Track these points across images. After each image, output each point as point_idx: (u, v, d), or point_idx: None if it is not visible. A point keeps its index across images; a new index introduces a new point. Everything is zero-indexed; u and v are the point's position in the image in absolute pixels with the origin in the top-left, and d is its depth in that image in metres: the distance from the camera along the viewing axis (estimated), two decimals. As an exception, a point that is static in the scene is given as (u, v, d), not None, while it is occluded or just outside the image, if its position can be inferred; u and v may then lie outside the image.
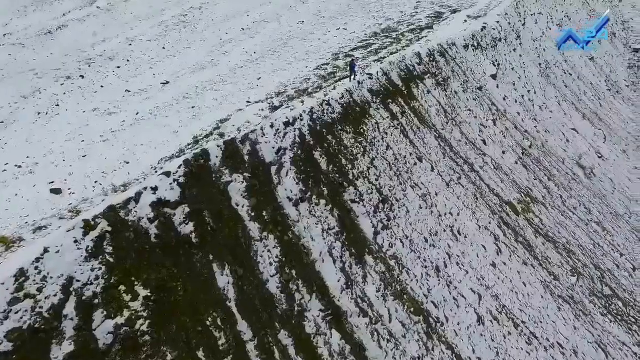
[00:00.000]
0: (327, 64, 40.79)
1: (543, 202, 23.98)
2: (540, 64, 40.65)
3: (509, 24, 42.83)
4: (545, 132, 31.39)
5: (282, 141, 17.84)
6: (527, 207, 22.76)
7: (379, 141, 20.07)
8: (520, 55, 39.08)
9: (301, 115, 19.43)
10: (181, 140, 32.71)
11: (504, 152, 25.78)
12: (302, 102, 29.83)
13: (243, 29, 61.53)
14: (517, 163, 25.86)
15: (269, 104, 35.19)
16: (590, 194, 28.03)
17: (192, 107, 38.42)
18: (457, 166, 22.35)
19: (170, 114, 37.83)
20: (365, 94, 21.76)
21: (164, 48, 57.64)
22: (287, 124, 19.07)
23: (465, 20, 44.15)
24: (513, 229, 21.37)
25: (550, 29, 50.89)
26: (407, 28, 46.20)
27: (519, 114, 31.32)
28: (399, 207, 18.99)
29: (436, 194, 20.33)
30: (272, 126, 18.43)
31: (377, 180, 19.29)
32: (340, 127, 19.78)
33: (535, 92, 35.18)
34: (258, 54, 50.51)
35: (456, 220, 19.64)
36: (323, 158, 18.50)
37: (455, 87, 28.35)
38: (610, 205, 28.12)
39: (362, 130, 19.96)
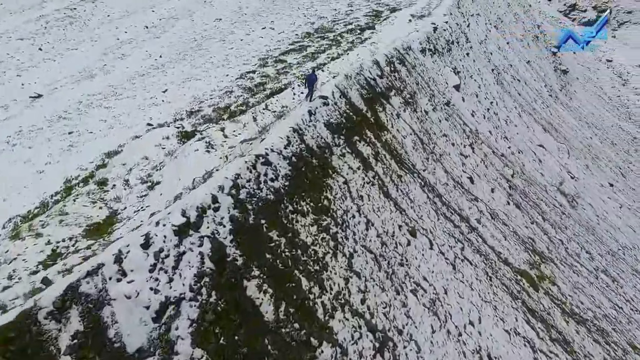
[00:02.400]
0: (253, 72, 32.64)
1: (550, 257, 18.73)
2: (492, 70, 36.30)
3: (457, 24, 38.02)
4: (519, 152, 26.66)
5: (170, 281, 8.79)
6: (541, 273, 17.32)
7: (353, 216, 12.60)
8: (474, 60, 34.32)
9: (215, 203, 10.58)
10: (46, 185, 22.60)
11: (492, 190, 20.00)
12: (222, 129, 21.52)
13: (147, 27, 50.61)
14: (509, 203, 20.27)
15: (177, 127, 26.24)
16: (582, 229, 23.53)
17: (70, 133, 28.05)
18: (455, 227, 15.88)
19: (37, 143, 27.15)
20: (321, 132, 14.36)
21: (40, 49, 45.01)
22: (182, 232, 9.69)
23: (410, 20, 38.72)
24: (541, 318, 15.64)
25: (490, 30, 47.48)
26: (345, 28, 39.60)
27: (490, 132, 26.04)
28: (404, 347, 11.52)
29: (445, 292, 13.66)
30: (147, 242, 9.20)
31: (363, 301, 11.47)
32: (290, 206, 11.43)
33: (497, 104, 30.48)
34: (165, 58, 40.62)
35: (481, 335, 13.17)
36: (263, 293, 9.85)
37: (424, 105, 22.14)
38: (603, 241, 23.98)
39: (325, 203, 12.14)
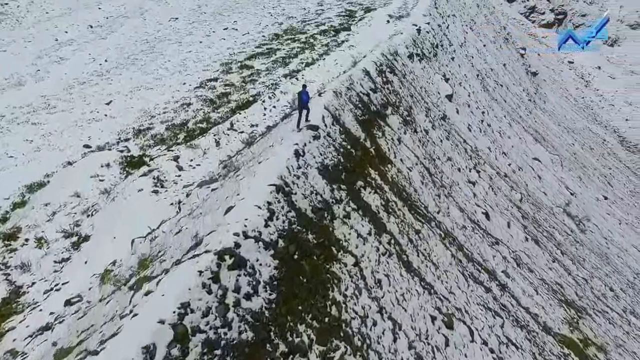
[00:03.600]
0: (215, 80, 27.69)
1: (582, 305, 15.48)
2: (477, 75, 33.18)
3: (438, 25, 34.63)
4: (519, 169, 23.52)
5: None
6: (583, 336, 13.98)
7: (374, 323, 8.07)
8: (459, 66, 31.01)
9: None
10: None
11: (509, 225, 16.50)
12: (176, 158, 16.79)
13: (91, 27, 44.06)
14: (527, 239, 16.82)
15: (121, 151, 20.93)
16: (597, 259, 20.58)
17: (-16, 159, 22.12)
18: (487, 292, 12.11)
19: (-64, 174, 21.11)
20: (316, 184, 9.63)
21: (-43, 52, 37.87)
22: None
23: (388, 21, 34.96)
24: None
25: (467, 32, 44.65)
26: (317, 29, 35.26)
27: (489, 149, 22.63)
28: None
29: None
30: None
31: None
32: (282, 343, 6.30)
33: (487, 113, 27.28)
34: (111, 62, 34.71)
35: None
36: None
37: (422, 123, 18.27)
38: (619, 269, 21.21)
39: (333, 312, 7.35)
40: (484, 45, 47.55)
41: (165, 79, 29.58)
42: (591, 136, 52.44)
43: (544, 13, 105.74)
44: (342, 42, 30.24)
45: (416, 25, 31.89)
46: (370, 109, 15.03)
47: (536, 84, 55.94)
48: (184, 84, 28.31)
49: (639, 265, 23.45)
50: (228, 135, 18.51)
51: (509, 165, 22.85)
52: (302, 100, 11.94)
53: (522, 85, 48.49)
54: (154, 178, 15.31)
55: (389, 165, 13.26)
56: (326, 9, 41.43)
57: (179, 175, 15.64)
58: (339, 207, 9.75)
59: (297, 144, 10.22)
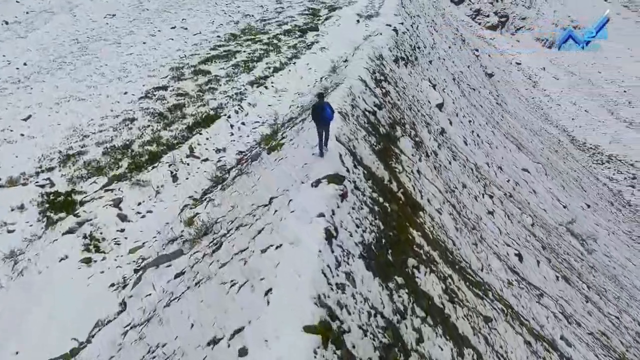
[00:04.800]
0: (165, 88, 22.78)
1: (630, 357, 12.92)
2: (454, 79, 30.77)
3: (411, 25, 31.84)
4: (516, 184, 21.14)
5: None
6: None
7: None
8: (437, 69, 28.30)
9: None
10: None
11: (538, 264, 13.65)
12: (117, 202, 12.27)
13: (6, 23, 36.73)
14: (558, 279, 14.12)
15: (42, 186, 15.70)
16: (612, 285, 18.50)
17: None
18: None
19: None
20: (371, 292, 5.61)
21: None
22: None
23: (358, 21, 31.61)
24: None
25: (432, 34, 42.55)
26: (280, 29, 31.10)
27: (488, 165, 19.96)
28: None
29: None
30: None
31: None
32: None
33: (473, 122, 24.74)
34: (32, 66, 28.39)
35: None
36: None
37: (428, 142, 14.97)
38: (632, 294, 19.35)
39: None
40: (449, 47, 45.76)
41: (101, 88, 24.08)
42: (549, 137, 52.59)
43: (488, 16, 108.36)
44: (312, 43, 26.40)
45: (391, 26, 28.84)
46: (379, 131, 11.48)
47: (494, 86, 55.48)
48: (126, 93, 23.06)
49: None
50: (188, 165, 14.05)
51: (508, 181, 20.38)
52: (324, 117, 8.22)
53: (487, 88, 47.37)
54: (85, 237, 10.63)
55: (421, 213, 9.83)
56: (286, 7, 37.33)
57: (122, 230, 11.04)
58: (406, 328, 6.10)
59: (322, 215, 6.37)
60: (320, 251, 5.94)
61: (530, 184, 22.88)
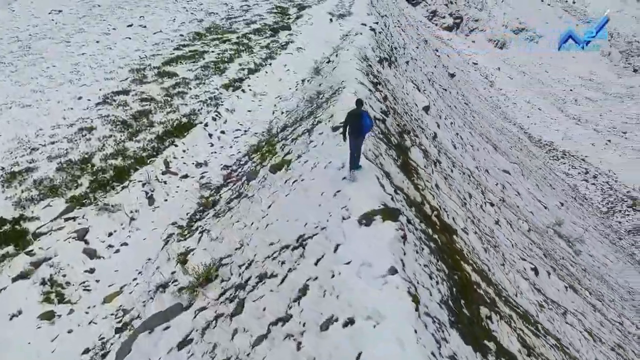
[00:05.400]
0: (127, 92, 20.27)
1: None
2: (429, 80, 30.24)
3: (385, 25, 31.00)
4: (503, 187, 20.64)
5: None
6: None
7: None
8: (414, 70, 27.56)
9: None
10: None
11: (549, 275, 12.93)
12: (82, 234, 10.17)
13: None
14: (567, 289, 13.47)
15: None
16: (604, 287, 18.37)
17: None
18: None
19: None
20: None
21: None
22: None
23: (331, 20, 30.24)
24: None
25: (401, 34, 42.14)
26: (249, 27, 29.11)
27: (477, 169, 19.22)
28: None
29: None
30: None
31: None
32: None
33: (454, 124, 24.15)
34: (-38, 68, 24.55)
35: None
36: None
37: (430, 150, 13.78)
38: (621, 294, 19.37)
39: None
40: (417, 47, 45.66)
41: (49, 92, 21.08)
42: (512, 136, 54.01)
43: (444, 17, 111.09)
44: (286, 43, 24.73)
45: (366, 25, 27.82)
46: (392, 141, 10.14)
47: (457, 86, 56.26)
48: (80, 98, 20.28)
49: (625, 278, 22.45)
50: (165, 183, 12.01)
51: (496, 185, 19.88)
52: (362, 128, 6.86)
53: (454, 89, 47.77)
54: (44, 282, 8.46)
55: (456, 237, 8.63)
56: (252, 4, 35.29)
57: (92, 271, 8.94)
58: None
59: (394, 271, 4.75)
60: (416, 331, 4.38)
61: (512, 185, 22.63)
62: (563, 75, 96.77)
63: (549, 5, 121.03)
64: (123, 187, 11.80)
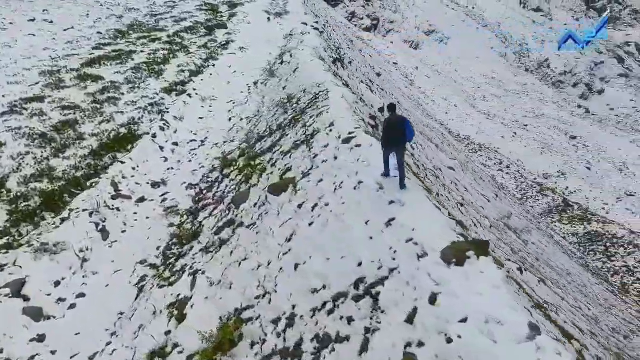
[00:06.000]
0: (41, 99, 16.93)
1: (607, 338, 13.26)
2: (370, 80, 30.33)
3: (324, 25, 30.38)
4: (456, 186, 21.16)
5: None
6: None
7: None
8: (357, 70, 27.34)
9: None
10: None
11: (522, 271, 13.11)
12: (16, 290, 7.84)
13: None
14: (539, 283, 13.84)
15: None
16: (555, 273, 19.61)
17: None
18: None
19: None
20: None
21: None
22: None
23: (269, 19, 28.69)
24: None
25: (334, 33, 42.05)
26: (179, 25, 26.41)
27: (435, 168, 19.36)
28: None
29: None
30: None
31: None
32: None
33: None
34: None
35: None
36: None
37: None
38: (565, 274, 20.88)
39: None
40: (349, 48, 46.02)
41: None
42: (437, 132, 56.91)
43: (362, 18, 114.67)
44: (227, 43, 22.84)
45: (307, 24, 27.01)
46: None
47: (385, 86, 57.99)
48: (-24, 108, 16.50)
49: (558, 261, 24.57)
50: (118, 210, 9.87)
51: (451, 183, 20.31)
52: (404, 137, 6.23)
53: (384, 88, 48.80)
54: (-28, 365, 6.17)
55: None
56: (178, 1, 32.38)
57: (41, 338, 6.72)
58: None
59: (536, 329, 3.59)
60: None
61: (460, 182, 23.44)
62: (470, 74, 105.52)
63: (453, 9, 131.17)
64: (63, 220, 9.45)
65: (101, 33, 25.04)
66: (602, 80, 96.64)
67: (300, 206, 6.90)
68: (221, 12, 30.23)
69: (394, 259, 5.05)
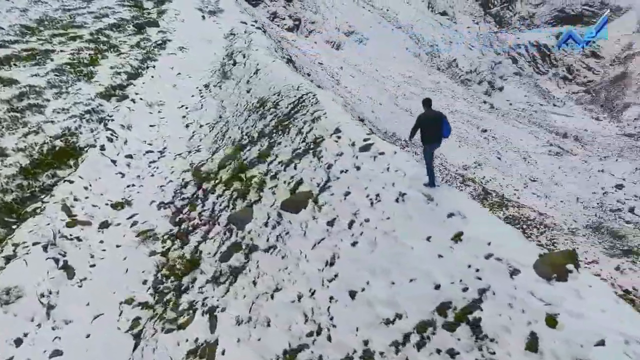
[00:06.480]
0: (-63, 109, 13.81)
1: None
2: (312, 82, 30.08)
3: (263, 25, 29.37)
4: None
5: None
6: None
7: None
8: (299, 70, 26.89)
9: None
10: None
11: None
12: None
13: None
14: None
15: None
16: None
17: None
18: None
19: None
20: None
21: None
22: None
23: (203, 17, 26.74)
24: None
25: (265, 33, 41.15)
26: (101, 22, 23.37)
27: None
28: None
29: None
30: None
31: None
32: None
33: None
34: None
35: None
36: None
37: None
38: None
39: None
40: (282, 48, 45.29)
41: None
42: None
43: (284, 18, 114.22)
44: (163, 42, 20.87)
45: (247, 23, 25.99)
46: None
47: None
48: None
49: None
50: (78, 240, 8.25)
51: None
52: (441, 134, 6.15)
53: (317, 88, 49.01)
54: None
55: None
56: (93, -6, 28.91)
57: None
58: None
59: None
60: None
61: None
62: (390, 73, 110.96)
63: (369, 11, 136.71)
64: (8, 258, 7.64)
65: (3, 29, 21.32)
66: (501, 78, 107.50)
67: (330, 223, 6.26)
68: (147, 8, 27.66)
69: (479, 279, 4.70)
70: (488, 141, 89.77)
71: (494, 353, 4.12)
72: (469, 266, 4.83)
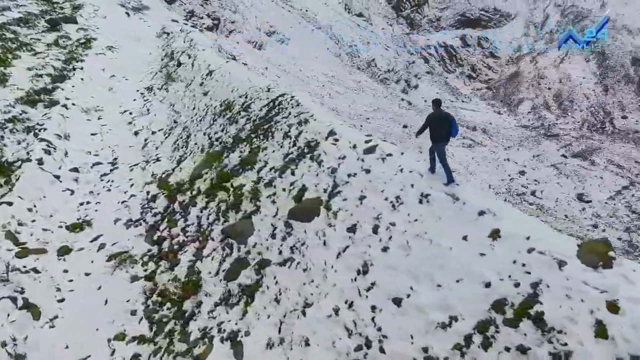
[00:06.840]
0: None
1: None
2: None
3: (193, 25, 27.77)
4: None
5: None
6: None
7: None
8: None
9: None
10: None
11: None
12: None
13: None
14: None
15: None
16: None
17: None
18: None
19: None
20: None
21: None
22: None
23: (128, 14, 24.27)
24: None
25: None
26: (3, 16, 20.08)
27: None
28: None
29: None
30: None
31: None
32: None
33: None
34: None
35: None
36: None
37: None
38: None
39: None
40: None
41: None
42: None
43: (202, 17, 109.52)
44: (87, 41, 18.67)
45: (178, 22, 24.58)
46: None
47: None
48: None
49: None
50: (37, 272, 6.92)
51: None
52: (449, 133, 6.31)
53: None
54: None
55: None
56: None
57: None
58: None
59: None
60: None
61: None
62: (313, 73, 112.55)
63: (289, 11, 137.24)
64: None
65: None
66: (416, 77, 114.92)
67: (351, 230, 6.05)
68: (58, 2, 24.57)
69: (528, 273, 4.90)
70: (409, 136, 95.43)
71: (565, 344, 4.32)
72: (514, 262, 5.04)
